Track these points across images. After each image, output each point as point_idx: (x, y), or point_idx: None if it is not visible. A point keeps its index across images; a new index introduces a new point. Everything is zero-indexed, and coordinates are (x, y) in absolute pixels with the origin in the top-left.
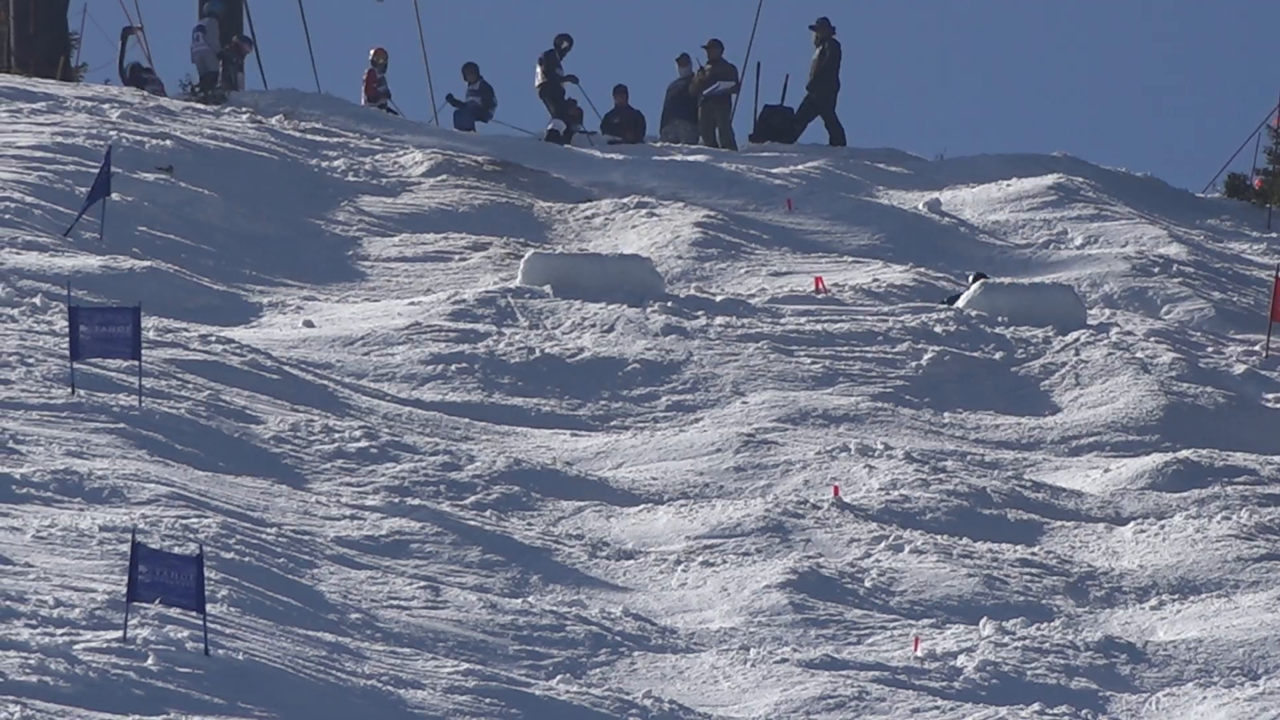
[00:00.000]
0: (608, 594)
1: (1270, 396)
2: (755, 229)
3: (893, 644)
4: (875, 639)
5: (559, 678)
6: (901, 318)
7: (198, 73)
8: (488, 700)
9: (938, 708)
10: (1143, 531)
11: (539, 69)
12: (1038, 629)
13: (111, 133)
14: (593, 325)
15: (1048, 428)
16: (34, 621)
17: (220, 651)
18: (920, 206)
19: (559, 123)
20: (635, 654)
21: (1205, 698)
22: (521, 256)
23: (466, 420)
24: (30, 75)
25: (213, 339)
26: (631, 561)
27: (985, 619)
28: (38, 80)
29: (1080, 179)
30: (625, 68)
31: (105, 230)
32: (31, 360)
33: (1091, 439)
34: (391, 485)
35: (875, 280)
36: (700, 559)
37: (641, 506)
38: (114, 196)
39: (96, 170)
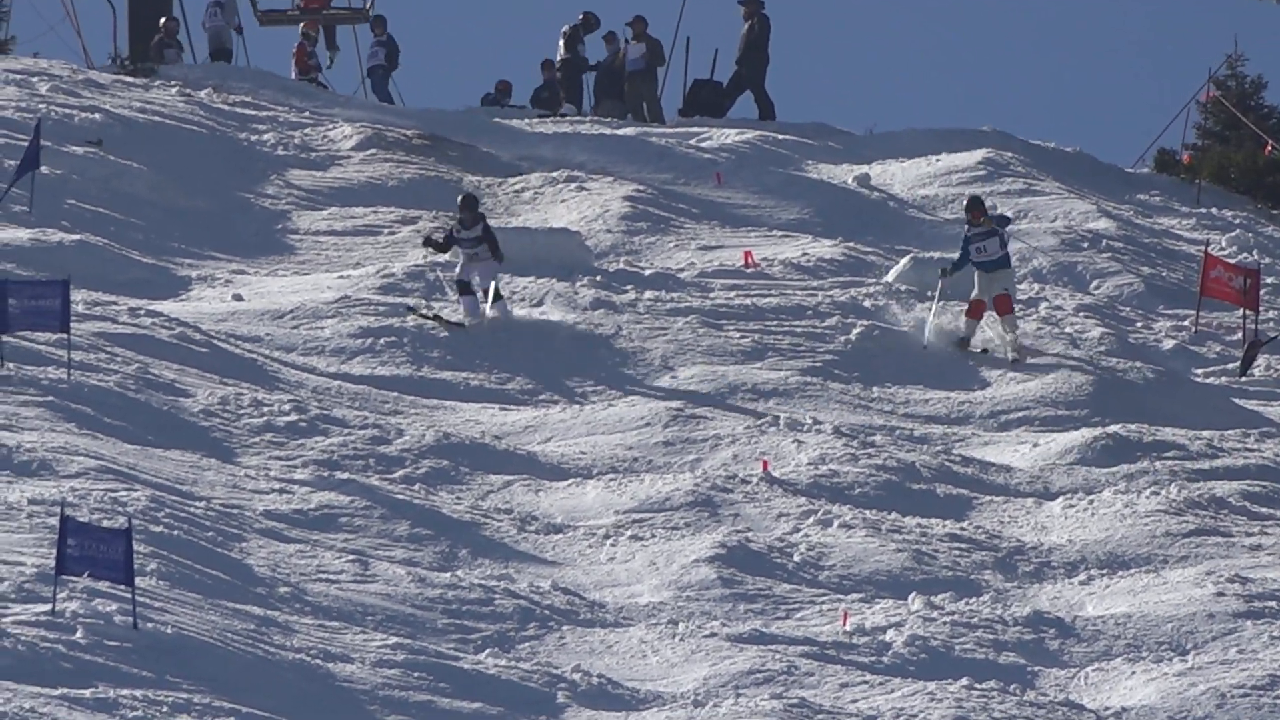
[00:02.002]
0: (536, 568)
1: (1199, 372)
2: (684, 203)
3: (821, 618)
4: (804, 613)
5: (487, 651)
6: (830, 292)
7: (209, 47)
8: (416, 674)
9: (866, 682)
10: (1072, 506)
11: (561, 43)
12: (966, 604)
13: (40, 106)
14: (522, 298)
15: (977, 402)
16: None
17: (149, 625)
18: (850, 181)
19: (570, 108)
20: (564, 628)
21: (1134, 673)
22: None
23: (395, 394)
24: None
25: (142, 312)
26: (560, 535)
27: (914, 594)
28: None
29: (1009, 154)
30: (552, 43)
31: (34, 203)
32: None
33: (1020, 414)
34: (320, 459)
35: (804, 255)
36: (629, 533)
37: (570, 481)
38: (43, 170)
39: (25, 143)
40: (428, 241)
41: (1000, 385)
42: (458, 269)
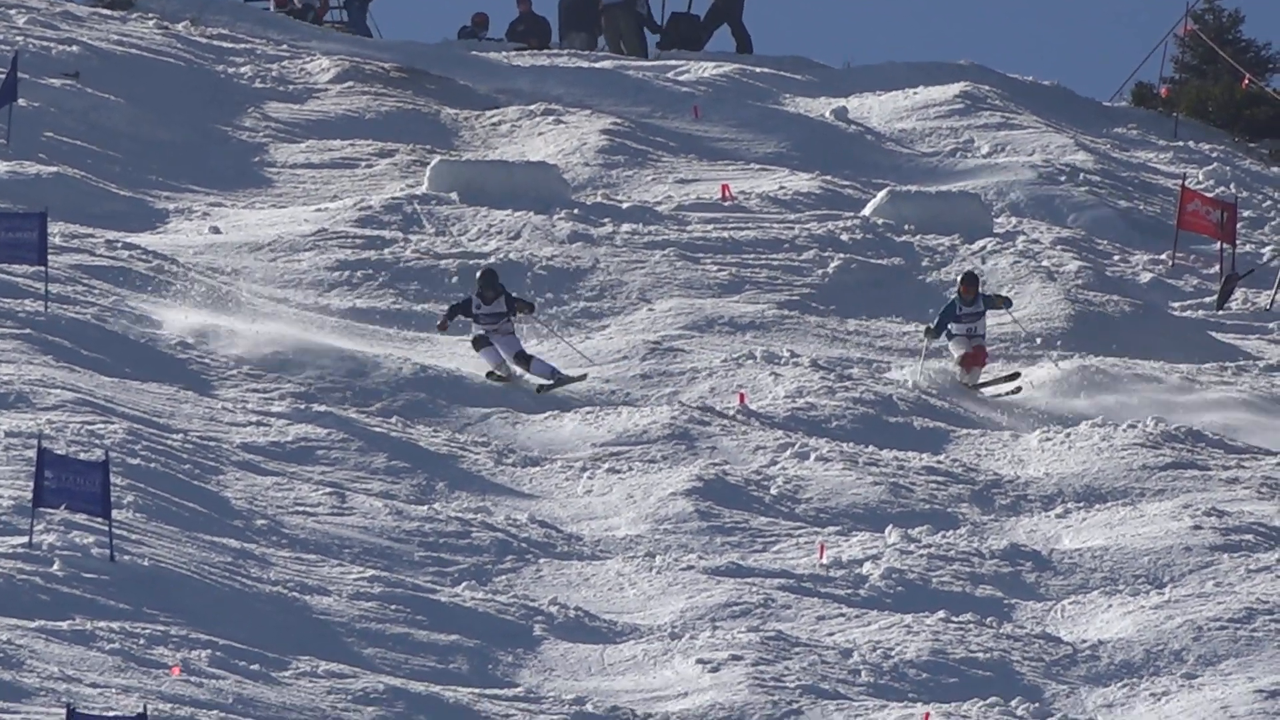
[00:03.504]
0: (514, 501)
1: (1176, 305)
2: (662, 136)
3: (798, 551)
4: (781, 546)
5: (464, 584)
6: (808, 225)
7: None
8: (393, 606)
9: (843, 615)
10: (1049, 440)
11: None
12: (943, 537)
13: (17, 38)
14: (499, 232)
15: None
16: None
17: (126, 557)
18: (827, 114)
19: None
20: (541, 561)
21: (1111, 605)
22: (428, 163)
23: (373, 326)
24: None
25: (119, 245)
26: (537, 469)
27: (891, 526)
28: None
29: (987, 87)
30: None
31: (11, 136)
32: None
33: (998, 346)
34: (298, 392)
35: (782, 188)
36: (606, 466)
37: (548, 414)
38: (20, 102)
39: (2, 76)
40: (452, 312)
41: None
42: (484, 357)
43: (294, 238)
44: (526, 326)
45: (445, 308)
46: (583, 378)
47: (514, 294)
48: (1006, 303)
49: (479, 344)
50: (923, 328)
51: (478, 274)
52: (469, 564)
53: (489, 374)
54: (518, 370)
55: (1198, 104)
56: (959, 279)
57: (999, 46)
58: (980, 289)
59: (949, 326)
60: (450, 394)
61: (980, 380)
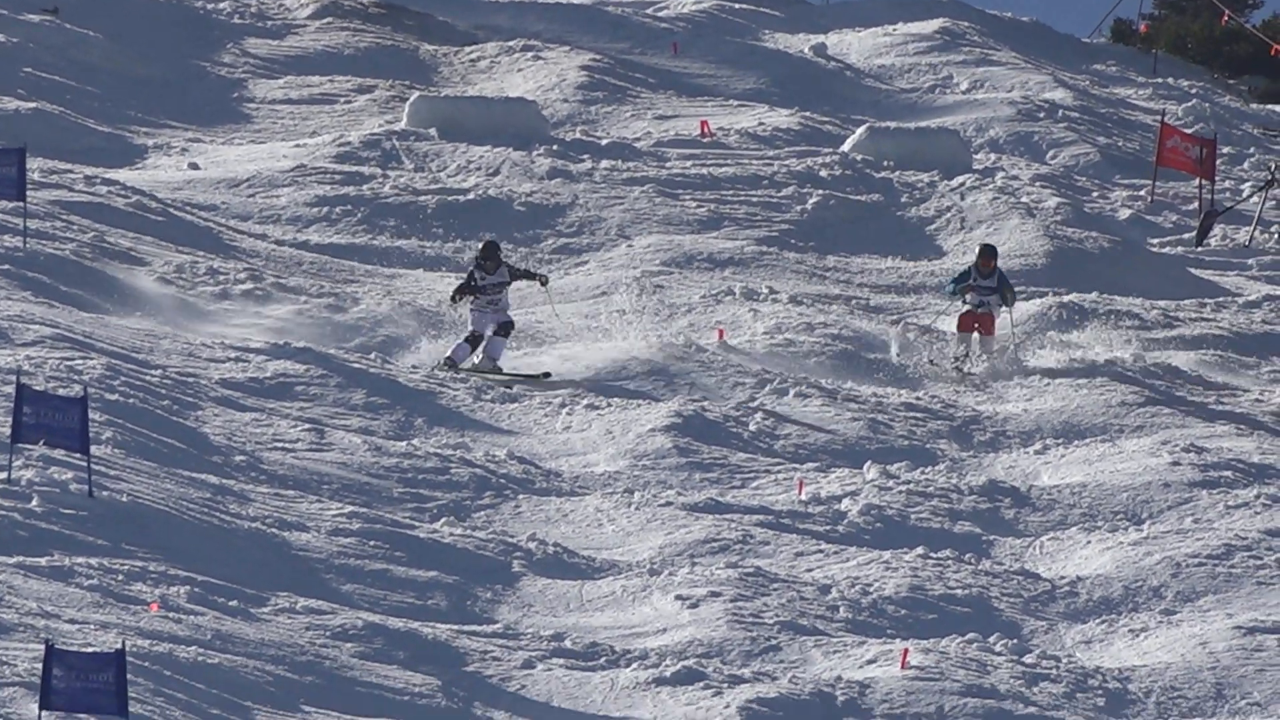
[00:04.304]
0: (492, 437)
1: (1155, 241)
2: (641, 73)
3: (777, 487)
4: (759, 482)
5: (443, 520)
6: (787, 162)
7: None
8: (372, 543)
9: (821, 551)
10: (1028, 376)
11: None
12: (922, 473)
13: None
14: (478, 168)
15: (933, 272)
16: None
17: (104, 493)
18: (806, 50)
19: None
20: (519, 497)
21: (1089, 542)
22: (407, 99)
23: (351, 263)
24: None
25: (98, 180)
26: (516, 405)
27: (869, 463)
28: None
29: (966, 23)
30: None
31: None
32: None
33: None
34: (276, 327)
35: (761, 124)
36: (585, 402)
37: (523, 351)
38: None
39: None
40: (458, 294)
41: (956, 255)
42: (471, 320)
43: (273, 173)
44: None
45: (453, 287)
46: (545, 376)
47: (523, 267)
48: (1013, 297)
49: (473, 341)
50: (948, 290)
51: (479, 245)
52: (448, 500)
53: (446, 360)
54: (475, 359)
55: (1177, 40)
56: (978, 250)
57: None
58: (997, 265)
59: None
60: (430, 330)
61: (983, 350)
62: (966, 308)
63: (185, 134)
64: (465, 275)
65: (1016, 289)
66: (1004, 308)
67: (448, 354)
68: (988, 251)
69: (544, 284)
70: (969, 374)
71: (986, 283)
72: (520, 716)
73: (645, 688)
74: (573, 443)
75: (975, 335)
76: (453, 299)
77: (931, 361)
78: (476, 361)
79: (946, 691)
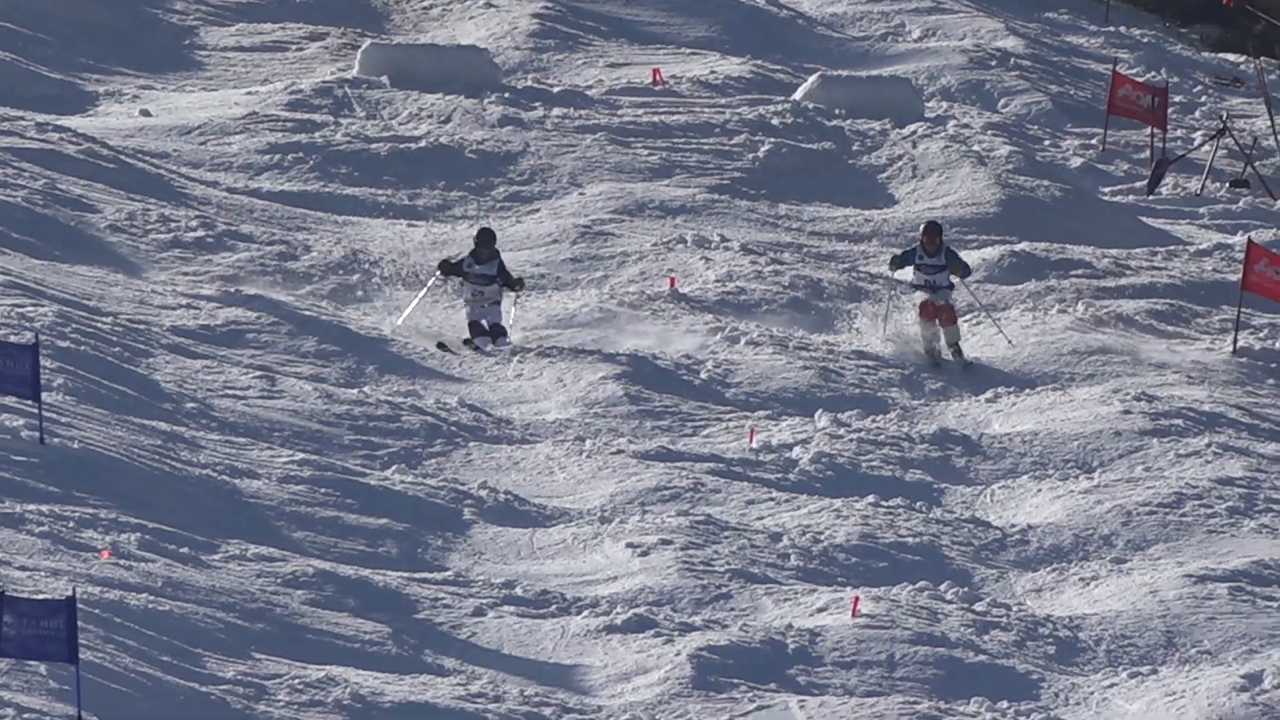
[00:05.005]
0: (443, 384)
1: (1107, 190)
2: (593, 20)
3: (728, 436)
4: (710, 431)
5: (394, 468)
6: (739, 110)
7: None
8: (323, 490)
9: (773, 499)
10: (979, 323)
11: None
12: (873, 421)
13: None
14: (430, 115)
15: (884, 220)
16: None
17: (56, 440)
18: None
19: None
20: (471, 444)
21: (1040, 490)
22: (359, 47)
23: (303, 210)
24: None
25: (49, 127)
26: (468, 352)
27: (820, 411)
28: None
29: None
30: None
31: None
32: None
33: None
34: (227, 274)
35: (713, 72)
36: (536, 350)
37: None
38: None
39: None
40: (445, 269)
41: (908, 204)
42: (467, 310)
43: (224, 121)
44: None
45: (440, 264)
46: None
47: (505, 265)
48: (964, 269)
49: (476, 331)
50: (886, 259)
51: (476, 232)
52: (399, 447)
53: (439, 344)
54: (484, 343)
55: None
56: (921, 228)
57: None
58: (944, 240)
59: (911, 270)
60: (381, 277)
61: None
62: (924, 296)
63: (137, 81)
64: (458, 257)
65: (968, 238)
66: (955, 281)
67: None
68: (931, 229)
69: (521, 289)
70: (943, 361)
71: (933, 260)
72: (471, 664)
73: (596, 635)
74: (524, 390)
75: (939, 326)
76: (440, 271)
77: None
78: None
79: (897, 639)
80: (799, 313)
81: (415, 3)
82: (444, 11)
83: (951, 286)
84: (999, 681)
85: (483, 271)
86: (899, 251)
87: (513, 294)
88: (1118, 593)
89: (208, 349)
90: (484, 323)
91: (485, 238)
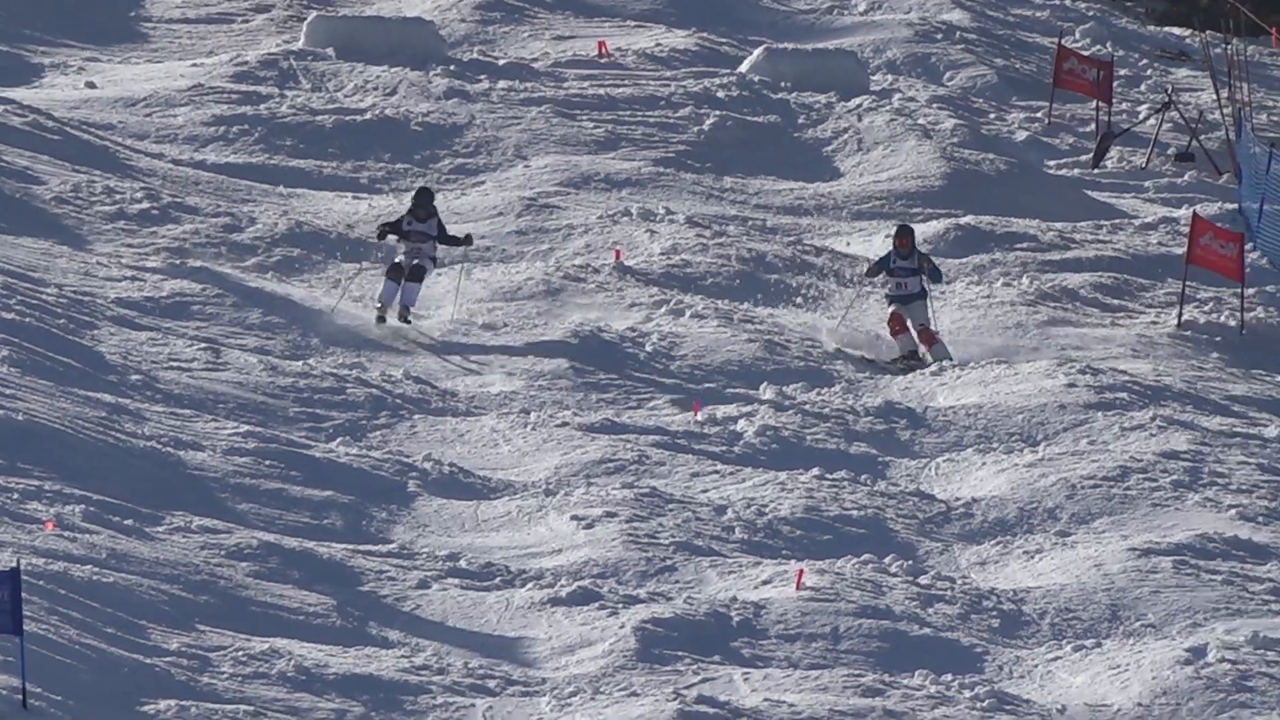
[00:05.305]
0: (388, 357)
1: (1052, 163)
2: None
3: (673, 409)
4: (655, 403)
5: (339, 440)
6: (684, 83)
7: None
8: (267, 462)
9: (717, 471)
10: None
11: None
12: (818, 394)
13: None
14: (375, 88)
15: (830, 193)
16: None
17: (0, 411)
18: None
19: None
20: (415, 417)
21: (985, 463)
22: (304, 19)
23: (248, 182)
24: None
25: None
26: (410, 326)
27: (765, 384)
28: None
29: None
30: None
31: None
32: None
33: (873, 204)
34: (172, 247)
35: (658, 45)
36: (481, 322)
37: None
38: None
39: None
40: (383, 231)
41: (853, 177)
42: (399, 251)
43: (169, 93)
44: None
45: (378, 227)
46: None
47: (449, 228)
48: (936, 275)
49: (392, 272)
50: (861, 267)
51: (414, 191)
52: (343, 419)
53: (379, 318)
54: (389, 298)
55: None
56: (894, 231)
57: None
58: (916, 245)
59: (888, 291)
60: (326, 249)
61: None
62: (893, 308)
63: (82, 53)
64: (395, 217)
65: (913, 211)
66: (932, 288)
67: (378, 302)
68: (904, 231)
69: (469, 244)
70: (921, 359)
71: (906, 263)
72: (415, 636)
73: (540, 608)
74: (468, 363)
75: (919, 344)
76: (379, 236)
77: (872, 359)
78: (395, 317)
79: (841, 612)
80: (744, 285)
81: None
82: None
83: (924, 293)
84: (943, 654)
85: (422, 230)
86: (873, 259)
87: (459, 250)
88: (1062, 566)
89: (152, 321)
90: (400, 264)
91: (423, 197)
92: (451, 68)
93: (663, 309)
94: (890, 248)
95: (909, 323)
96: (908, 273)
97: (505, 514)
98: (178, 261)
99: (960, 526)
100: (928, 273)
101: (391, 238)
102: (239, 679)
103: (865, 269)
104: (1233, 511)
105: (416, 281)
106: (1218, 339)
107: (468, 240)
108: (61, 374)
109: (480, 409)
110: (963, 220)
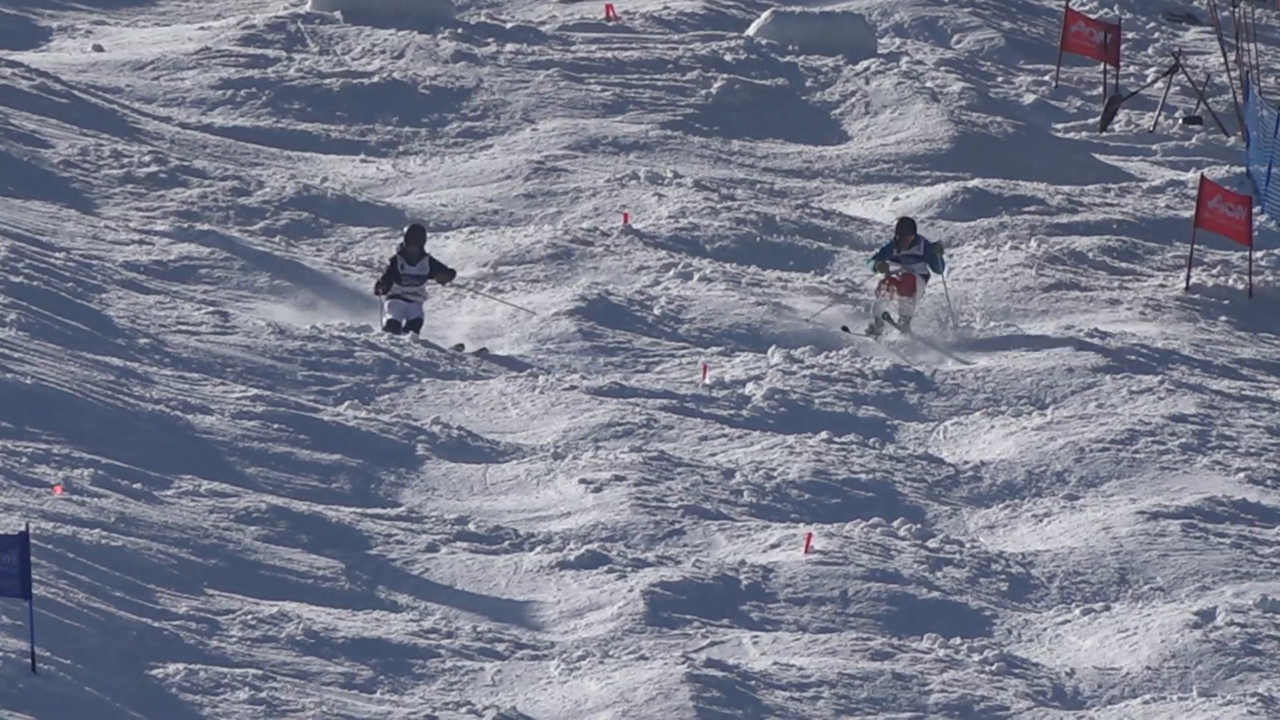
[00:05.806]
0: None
1: (1059, 126)
2: None
3: (681, 372)
4: (664, 366)
5: (347, 403)
6: (692, 46)
7: None
8: (276, 425)
9: (725, 435)
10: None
11: None
12: (826, 357)
13: None
14: (383, 51)
15: (837, 156)
16: None
17: (8, 375)
18: None
19: None
20: (424, 380)
21: (993, 426)
22: None
23: (256, 146)
24: None
25: (2, 63)
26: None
27: (774, 347)
28: None
29: None
30: None
31: None
32: None
33: (881, 168)
34: (180, 210)
35: (666, 8)
36: (489, 285)
37: (430, 232)
38: None
39: None
40: (381, 288)
41: (861, 140)
42: (387, 306)
43: (177, 56)
44: (451, 292)
45: (375, 286)
46: (459, 348)
47: (435, 259)
48: (942, 264)
49: (392, 328)
50: (868, 265)
51: (404, 230)
52: (352, 383)
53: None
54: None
55: None
56: (896, 225)
57: None
58: (918, 234)
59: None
60: (333, 213)
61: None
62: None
63: (90, 16)
64: (388, 265)
65: (920, 174)
66: (932, 275)
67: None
68: (905, 226)
69: (451, 278)
70: (884, 328)
71: (909, 252)
72: (424, 600)
73: (549, 571)
74: (477, 326)
75: (896, 296)
76: (377, 292)
77: (845, 329)
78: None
79: (850, 576)
80: (752, 248)
81: None
82: None
83: (927, 276)
84: (952, 618)
85: (415, 273)
86: (875, 251)
87: (449, 285)
88: (1070, 529)
89: (160, 284)
90: (402, 322)
91: (415, 235)
92: (459, 31)
93: (670, 272)
94: (890, 242)
95: (895, 292)
96: (913, 260)
97: (514, 477)
98: (185, 225)
99: (969, 490)
100: (932, 261)
101: (396, 287)
102: (248, 642)
103: (869, 264)
104: (1241, 475)
105: (417, 330)
106: (1225, 302)
107: (451, 275)
108: (70, 338)
109: (488, 372)
110: (970, 183)
